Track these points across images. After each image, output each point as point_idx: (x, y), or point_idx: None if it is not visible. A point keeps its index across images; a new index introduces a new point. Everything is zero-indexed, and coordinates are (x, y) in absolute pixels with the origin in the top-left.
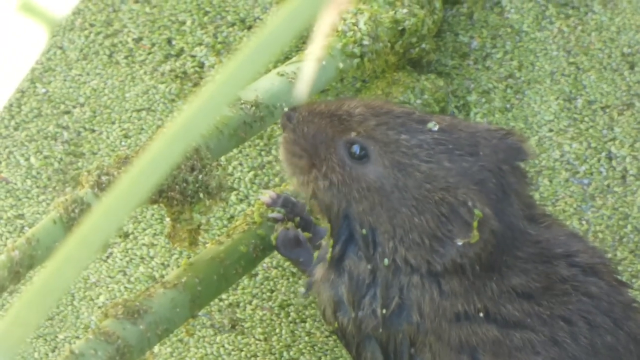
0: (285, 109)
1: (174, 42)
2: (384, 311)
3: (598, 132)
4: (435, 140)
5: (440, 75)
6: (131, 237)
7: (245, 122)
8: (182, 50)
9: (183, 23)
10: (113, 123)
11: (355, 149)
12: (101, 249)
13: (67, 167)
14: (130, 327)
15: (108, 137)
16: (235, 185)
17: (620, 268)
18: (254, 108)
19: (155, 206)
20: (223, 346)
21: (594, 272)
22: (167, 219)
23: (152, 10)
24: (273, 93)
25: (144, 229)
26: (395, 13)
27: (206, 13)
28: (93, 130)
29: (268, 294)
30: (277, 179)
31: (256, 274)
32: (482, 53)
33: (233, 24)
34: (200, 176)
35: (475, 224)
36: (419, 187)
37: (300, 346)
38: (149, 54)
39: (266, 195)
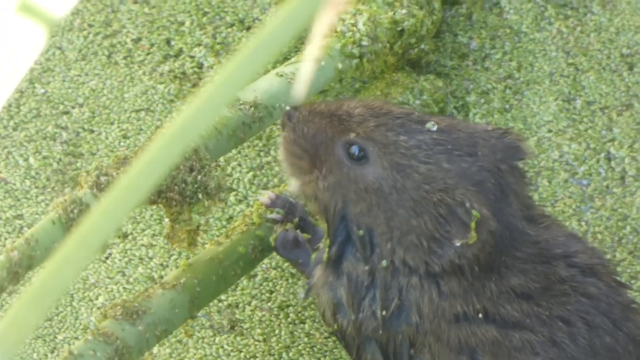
0: (287, 108)
1: (172, 43)
2: (384, 313)
3: (597, 132)
4: (434, 141)
5: (439, 76)
6: (130, 237)
7: (244, 122)
8: (181, 51)
9: (182, 24)
10: (112, 123)
11: (354, 150)
12: (100, 250)
13: (66, 167)
14: (129, 328)
15: (107, 138)
16: (234, 186)
17: (619, 269)
18: (252, 109)
19: (154, 207)
20: (222, 347)
21: (593, 273)
22: (166, 220)
23: (151, 11)
24: (272, 94)
25: (143, 230)
26: (394, 14)
27: (205, 14)
28: (92, 131)
29: (267, 294)
30: (276, 180)
31: (255, 275)
32: (481, 54)
33: (232, 25)
34: (199, 177)
35: (473, 224)
36: (418, 189)
37: (300, 347)
38: (148, 54)
39: (265, 196)
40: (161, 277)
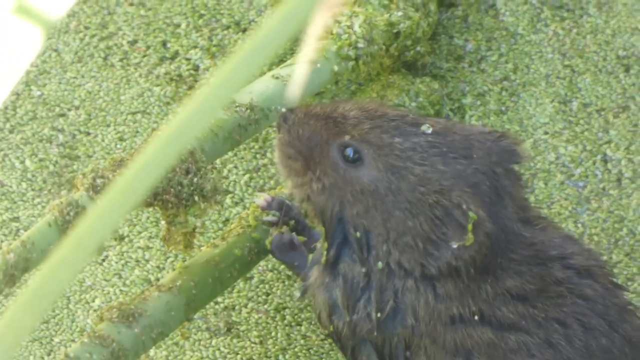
0: (282, 111)
1: (169, 45)
2: (379, 315)
3: (593, 134)
4: (429, 143)
5: (435, 78)
6: (126, 240)
7: (240, 124)
8: (177, 53)
9: (178, 26)
10: (108, 126)
11: (349, 152)
12: (96, 252)
13: (62, 169)
14: (125, 331)
15: (103, 140)
16: (230, 188)
17: (615, 271)
18: (248, 111)
19: (150, 209)
20: (219, 349)
21: (589, 275)
22: (162, 222)
23: (147, 13)
24: (268, 96)
25: (139, 232)
26: (390, 16)
27: (201, 16)
28: (88, 133)
29: (263, 297)
30: (272, 182)
31: (251, 277)
32: (477, 56)
33: (228, 27)
34: (195, 179)
35: (469, 226)
36: (413, 190)
37: (296, 349)
38: (144, 56)
39: (261, 199)
40: (157, 279)
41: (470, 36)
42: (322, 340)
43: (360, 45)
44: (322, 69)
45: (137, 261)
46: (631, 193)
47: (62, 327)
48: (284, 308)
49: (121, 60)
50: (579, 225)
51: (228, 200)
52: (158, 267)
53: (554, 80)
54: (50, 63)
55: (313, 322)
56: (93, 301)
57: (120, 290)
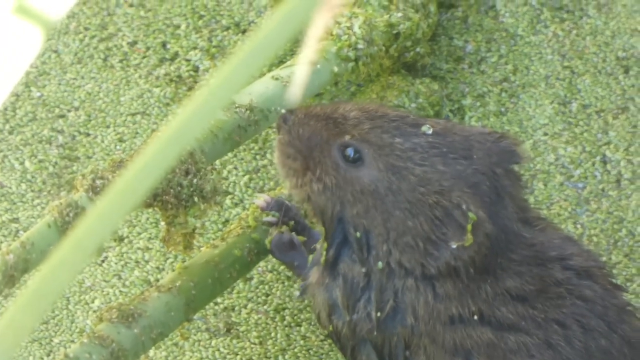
0: (282, 111)
1: (168, 46)
2: (379, 314)
3: (593, 136)
4: (429, 144)
5: (435, 79)
6: (126, 240)
7: (239, 125)
8: (176, 54)
9: (178, 27)
10: (108, 127)
11: (350, 152)
12: (96, 253)
13: (62, 171)
14: (124, 331)
15: (103, 141)
16: (230, 189)
17: (614, 271)
18: (248, 112)
19: (149, 210)
20: (218, 350)
21: (588, 276)
22: (162, 223)
23: (147, 14)
24: (267, 97)
25: (139, 233)
26: (389, 17)
27: (201, 17)
28: (88, 134)
29: (263, 297)
30: (272, 183)
31: (251, 278)
32: (477, 57)
33: (228, 28)
34: (194, 180)
35: (469, 227)
36: (413, 190)
37: (296, 350)
38: (144, 57)
39: (261, 199)
40: (157, 280)
41: (470, 37)
42: (321, 340)
43: (360, 46)
44: (321, 70)
45: (137, 262)
46: (630, 194)
47: (62, 328)
48: (284, 309)
49: (121, 61)
50: (579, 226)
51: (228, 201)
52: (158, 268)
53: (554, 82)
54: (50, 64)
55: (313, 323)
56: (92, 302)
57: (120, 291)
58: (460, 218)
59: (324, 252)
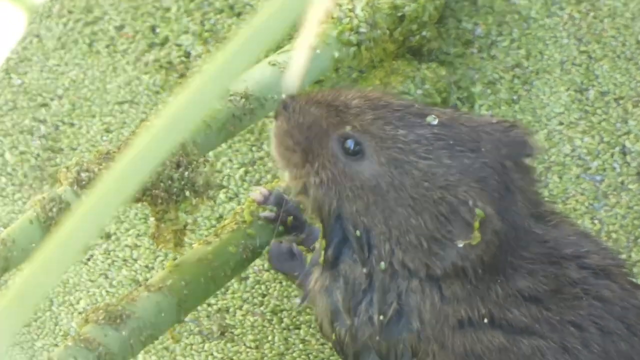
0: (283, 96)
1: (158, 30)
2: (381, 318)
3: (611, 125)
4: (434, 135)
5: (443, 64)
6: (113, 238)
7: (234, 115)
8: (167, 39)
9: (168, 10)
10: (93, 116)
11: (350, 144)
12: (82, 251)
13: (45, 163)
14: (112, 333)
15: (88, 132)
16: (224, 183)
17: (634, 270)
18: (243, 100)
19: (138, 205)
20: (212, 354)
21: (606, 275)
22: (151, 219)
23: None
24: (264, 84)
25: (127, 230)
26: None
27: None
28: (72, 124)
29: (259, 298)
30: (269, 176)
31: (247, 278)
32: (487, 41)
33: (221, 11)
34: (186, 173)
35: (476, 224)
36: (417, 186)
37: (294, 354)
38: (132, 42)
39: (257, 193)
40: (146, 279)
41: (480, 20)
42: (321, 344)
43: (362, 29)
44: (321, 55)
45: (125, 260)
46: None
47: (45, 331)
48: (281, 310)
49: (107, 46)
50: (596, 221)
51: (222, 196)
52: (147, 266)
53: (570, 67)
54: (31, 50)
55: (312, 326)
56: (77, 303)
57: (107, 291)
58: (467, 215)
59: (323, 252)
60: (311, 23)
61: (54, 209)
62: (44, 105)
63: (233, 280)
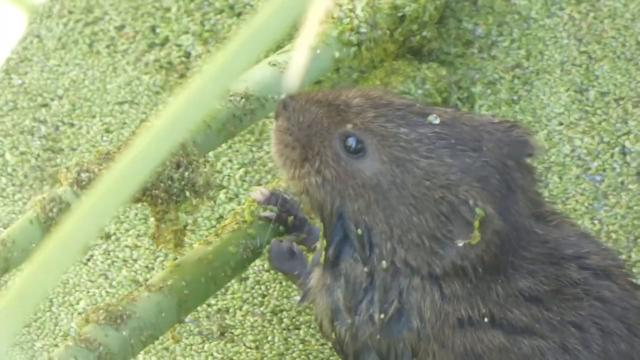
0: (283, 96)
1: (158, 30)
2: (382, 316)
3: (611, 125)
4: (436, 135)
5: (443, 64)
6: (113, 238)
7: (234, 115)
8: (167, 39)
9: (168, 10)
10: (94, 117)
11: (351, 142)
12: (82, 252)
13: (45, 163)
14: (112, 334)
15: (88, 132)
16: (224, 183)
17: (635, 270)
18: (243, 100)
19: (138, 205)
20: (212, 354)
21: (606, 275)
22: (151, 219)
23: None
24: (264, 84)
25: (127, 230)
26: None
27: None
28: (72, 125)
29: (259, 299)
30: (269, 177)
31: (247, 278)
32: (488, 41)
33: (221, 11)
34: (186, 173)
35: (476, 223)
36: (418, 185)
37: (294, 355)
38: (132, 43)
39: (257, 192)
40: (146, 280)
41: (481, 20)
42: (321, 344)
43: (362, 29)
44: (322, 56)
45: (125, 261)
46: None
47: (45, 331)
48: (281, 310)
49: (108, 46)
50: (596, 221)
51: (222, 196)
52: (147, 267)
53: (570, 68)
54: (31, 50)
55: (312, 326)
56: (77, 303)
57: (107, 291)
58: (467, 214)
59: (324, 251)
60: (311, 23)
61: (54, 210)
62: (44, 105)
63: (233, 281)
